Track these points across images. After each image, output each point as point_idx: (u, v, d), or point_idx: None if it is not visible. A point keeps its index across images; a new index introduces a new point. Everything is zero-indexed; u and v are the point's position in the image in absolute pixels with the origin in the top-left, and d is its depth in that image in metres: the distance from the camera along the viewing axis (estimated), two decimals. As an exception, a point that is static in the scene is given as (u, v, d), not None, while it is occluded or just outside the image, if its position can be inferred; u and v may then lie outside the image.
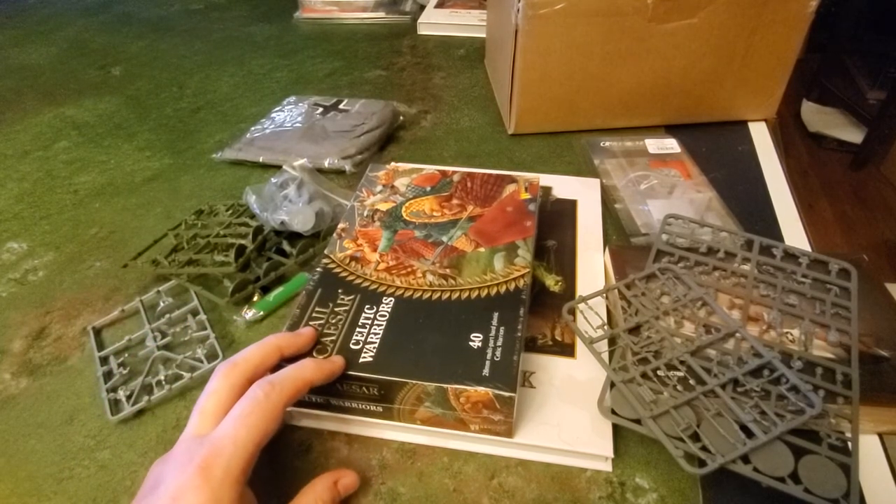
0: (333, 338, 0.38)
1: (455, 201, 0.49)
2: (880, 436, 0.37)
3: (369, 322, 0.39)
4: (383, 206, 0.49)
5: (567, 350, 0.42)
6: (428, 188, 0.51)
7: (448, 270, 0.42)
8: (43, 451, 0.39)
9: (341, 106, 0.72)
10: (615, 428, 0.37)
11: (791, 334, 0.39)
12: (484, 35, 0.87)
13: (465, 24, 0.96)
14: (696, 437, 0.33)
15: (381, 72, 0.86)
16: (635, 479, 0.36)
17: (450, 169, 0.54)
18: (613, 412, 0.36)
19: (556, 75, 0.63)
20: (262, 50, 0.96)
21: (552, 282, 0.47)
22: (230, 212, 0.56)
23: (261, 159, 0.65)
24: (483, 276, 0.42)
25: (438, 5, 1.03)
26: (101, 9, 1.15)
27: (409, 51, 0.93)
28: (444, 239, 0.45)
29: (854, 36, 2.08)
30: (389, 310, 0.39)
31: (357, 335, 0.38)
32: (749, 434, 0.33)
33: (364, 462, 0.37)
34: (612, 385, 0.37)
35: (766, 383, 0.36)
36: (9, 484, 0.37)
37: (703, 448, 0.33)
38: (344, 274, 0.43)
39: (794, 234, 0.53)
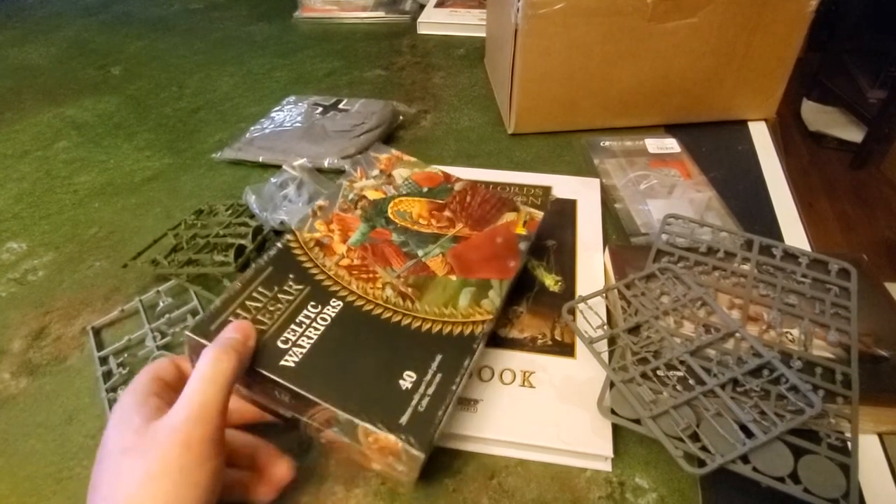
0: (264, 328, 0.34)
1: (447, 213, 0.45)
2: (880, 436, 0.37)
3: (308, 322, 0.35)
4: (371, 195, 0.45)
5: (567, 350, 0.42)
6: (425, 189, 0.47)
7: (410, 290, 0.39)
8: (42, 451, 0.39)
9: (341, 105, 0.72)
10: (615, 428, 0.37)
11: (791, 334, 0.39)
12: (484, 35, 0.87)
13: (465, 23, 0.96)
14: (695, 437, 0.33)
15: (380, 71, 0.86)
16: (635, 479, 0.36)
17: (455, 174, 0.49)
18: (613, 412, 0.36)
19: (556, 75, 0.63)
20: (261, 49, 0.96)
21: (552, 281, 0.47)
22: (230, 212, 0.55)
23: (260, 159, 0.65)
24: (443, 308, 0.38)
25: (438, 5, 1.02)
26: (100, 8, 1.15)
27: (408, 50, 0.92)
28: (420, 253, 0.41)
29: (854, 35, 2.08)
30: (334, 314, 0.36)
31: (289, 332, 0.34)
32: (749, 434, 0.33)
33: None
34: (612, 385, 0.37)
35: (766, 383, 0.36)
36: (8, 484, 0.37)
37: (703, 448, 0.33)
38: (303, 259, 0.39)
39: (794, 233, 0.53)
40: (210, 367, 0.29)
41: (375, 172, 0.47)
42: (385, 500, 0.36)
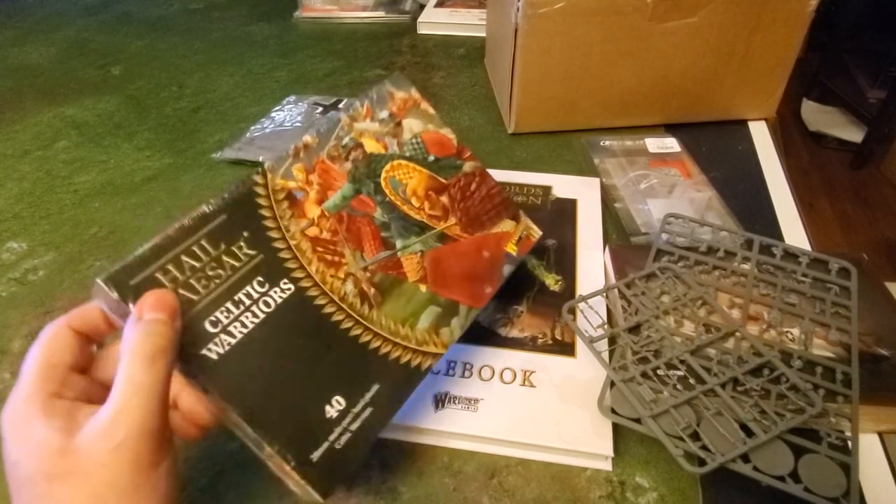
0: (194, 298, 0.28)
1: (444, 199, 0.40)
2: (880, 435, 0.37)
3: (248, 303, 0.29)
4: (370, 145, 0.38)
5: (567, 349, 0.42)
6: (431, 157, 0.40)
7: (372, 291, 0.34)
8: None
9: (341, 105, 0.72)
10: (615, 427, 0.37)
11: (791, 333, 0.39)
12: (484, 34, 0.87)
13: (465, 23, 0.96)
14: (695, 436, 0.33)
15: (380, 71, 0.86)
16: (635, 479, 0.36)
17: (469, 152, 0.43)
18: (613, 411, 0.36)
19: (556, 75, 0.63)
20: (261, 49, 0.95)
21: (552, 281, 0.47)
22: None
23: (261, 159, 0.65)
24: (400, 326, 0.34)
25: (438, 4, 1.02)
26: (100, 8, 1.15)
27: (408, 50, 0.92)
28: (398, 244, 0.36)
29: (854, 35, 2.08)
30: (280, 300, 0.30)
31: (223, 312, 0.28)
32: (749, 433, 0.33)
33: (364, 461, 0.37)
34: (612, 384, 0.37)
35: (766, 382, 0.36)
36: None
37: (703, 447, 0.33)
38: (266, 213, 0.32)
39: (794, 233, 0.53)
40: (146, 376, 0.25)
41: (384, 115, 0.39)
42: (386, 499, 0.36)
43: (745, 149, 0.65)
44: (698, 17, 0.59)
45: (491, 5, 0.79)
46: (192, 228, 0.29)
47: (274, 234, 0.32)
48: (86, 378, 0.27)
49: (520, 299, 0.46)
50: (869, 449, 0.37)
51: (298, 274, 0.31)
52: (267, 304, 0.30)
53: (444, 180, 0.40)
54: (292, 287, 0.31)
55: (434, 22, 0.97)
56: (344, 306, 0.32)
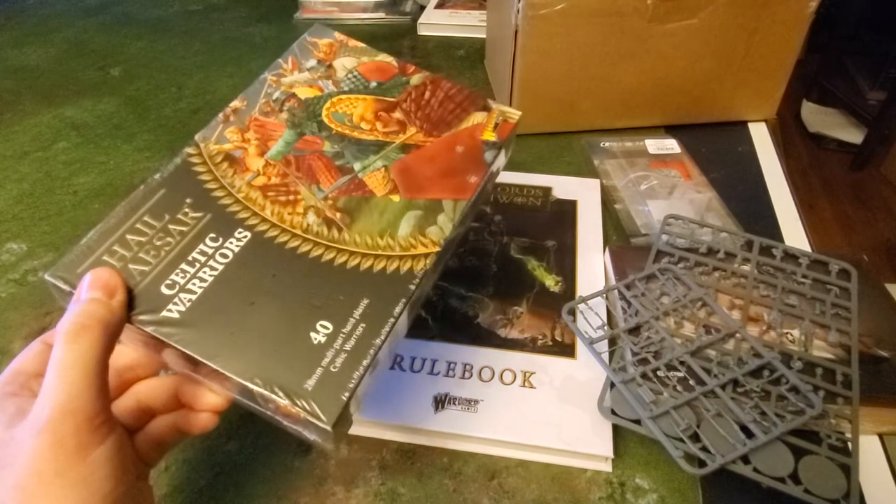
0: (145, 269, 0.28)
1: (397, 115, 0.37)
2: (880, 436, 0.37)
3: (203, 259, 0.29)
4: (303, 92, 0.36)
5: (567, 350, 0.42)
6: (373, 84, 0.38)
7: (338, 215, 0.32)
8: (42, 451, 0.39)
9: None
10: (615, 428, 0.36)
11: (791, 335, 0.39)
12: (484, 36, 0.87)
13: (465, 24, 0.96)
14: (695, 438, 0.33)
15: (380, 72, 0.86)
16: (635, 480, 0.36)
17: (413, 66, 0.40)
18: (613, 412, 0.36)
19: (556, 76, 0.63)
20: (261, 51, 0.95)
21: (552, 282, 0.47)
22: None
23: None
24: (378, 238, 0.31)
25: (438, 6, 1.02)
26: (100, 10, 1.15)
27: (409, 51, 0.92)
28: (357, 167, 0.34)
29: (854, 36, 2.08)
30: (237, 249, 0.29)
31: (178, 275, 0.28)
32: (749, 434, 0.33)
33: (364, 462, 0.37)
34: (612, 385, 0.37)
35: (766, 384, 0.36)
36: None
37: (703, 448, 0.33)
38: (206, 178, 0.32)
39: (794, 234, 0.53)
40: (66, 352, 0.24)
41: (311, 63, 0.38)
42: (385, 500, 0.36)
43: (745, 150, 0.65)
44: (698, 19, 0.59)
45: (491, 7, 0.79)
46: (132, 209, 0.29)
47: (218, 193, 0.31)
48: None
49: (520, 300, 0.46)
50: (869, 450, 0.37)
51: (252, 221, 0.31)
52: (224, 256, 0.29)
53: (392, 99, 0.38)
54: (248, 234, 0.30)
55: (434, 23, 0.97)
56: (309, 237, 0.31)
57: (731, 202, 0.55)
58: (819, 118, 2.10)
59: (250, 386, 0.26)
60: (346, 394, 0.26)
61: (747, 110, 0.68)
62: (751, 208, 0.55)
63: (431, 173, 0.35)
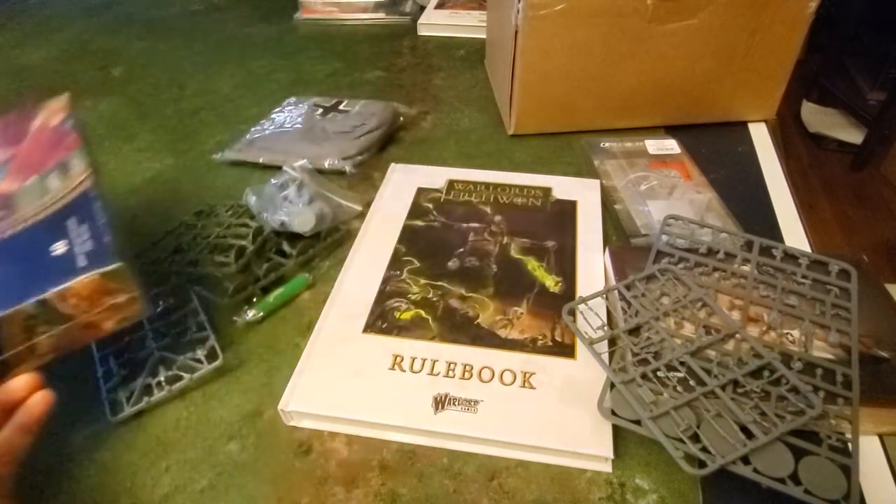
0: None
1: None
2: (880, 437, 0.37)
3: None
4: None
5: (567, 351, 0.42)
6: None
7: (2, 213, 0.39)
8: (41, 451, 0.39)
9: (341, 107, 0.72)
10: (615, 429, 0.36)
11: (791, 335, 0.39)
12: (484, 36, 0.87)
13: (465, 24, 0.96)
14: (695, 438, 0.33)
15: (381, 73, 0.86)
16: (635, 480, 0.36)
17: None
18: (613, 413, 0.36)
19: (556, 76, 0.63)
20: (262, 51, 0.96)
21: (552, 282, 0.47)
22: (230, 213, 0.55)
23: (261, 160, 0.65)
24: (41, 200, 0.39)
25: (438, 6, 1.03)
26: (101, 10, 1.15)
27: (409, 52, 0.92)
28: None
29: (854, 37, 2.08)
30: None
31: None
32: (749, 435, 0.33)
33: (364, 463, 0.37)
34: (612, 386, 0.37)
35: (766, 384, 0.36)
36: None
37: (703, 449, 0.33)
38: None
39: (794, 234, 0.53)
40: None
41: None
42: (385, 500, 0.36)
43: (745, 150, 0.65)
44: (698, 19, 0.59)
45: (491, 7, 0.79)
46: None
47: None
48: None
49: (520, 301, 0.46)
50: (869, 451, 0.37)
51: None
52: None
53: None
54: None
55: (434, 23, 0.97)
56: None
57: (731, 202, 0.55)
58: (819, 118, 2.10)
59: (44, 296, 0.31)
60: (109, 247, 0.34)
61: (747, 110, 0.68)
62: (751, 209, 0.55)
63: (41, 155, 0.42)
